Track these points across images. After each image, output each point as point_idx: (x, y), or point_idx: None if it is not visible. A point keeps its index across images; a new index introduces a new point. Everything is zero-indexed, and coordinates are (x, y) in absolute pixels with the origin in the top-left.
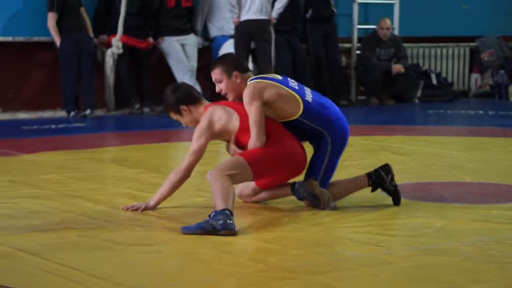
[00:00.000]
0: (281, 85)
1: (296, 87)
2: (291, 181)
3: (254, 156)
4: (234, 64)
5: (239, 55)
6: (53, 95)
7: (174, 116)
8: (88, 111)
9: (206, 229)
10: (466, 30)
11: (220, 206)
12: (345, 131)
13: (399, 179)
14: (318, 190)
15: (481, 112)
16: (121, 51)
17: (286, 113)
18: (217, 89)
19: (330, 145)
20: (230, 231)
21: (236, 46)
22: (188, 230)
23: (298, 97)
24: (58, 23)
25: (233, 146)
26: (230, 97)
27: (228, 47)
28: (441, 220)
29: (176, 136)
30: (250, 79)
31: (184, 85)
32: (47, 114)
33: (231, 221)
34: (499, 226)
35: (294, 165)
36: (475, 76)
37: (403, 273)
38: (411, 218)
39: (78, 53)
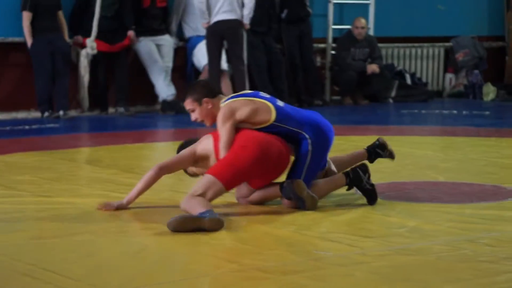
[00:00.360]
0: (252, 98)
1: (267, 97)
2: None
3: (219, 168)
4: (202, 91)
5: (207, 80)
6: (27, 96)
7: (191, 106)
8: (61, 112)
9: (192, 217)
10: (440, 30)
11: (201, 210)
12: (325, 132)
13: (373, 179)
14: (305, 193)
15: (455, 112)
16: (95, 51)
17: (260, 121)
18: (192, 118)
19: (311, 145)
20: (217, 220)
21: (208, 47)
22: (174, 220)
23: (269, 103)
24: (32, 23)
25: (190, 168)
26: (207, 123)
27: (202, 48)
28: (414, 220)
29: (151, 137)
30: (223, 101)
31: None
32: (21, 115)
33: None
34: (472, 225)
35: (270, 163)
36: (449, 76)
37: (377, 272)
38: (385, 217)
39: (52, 54)
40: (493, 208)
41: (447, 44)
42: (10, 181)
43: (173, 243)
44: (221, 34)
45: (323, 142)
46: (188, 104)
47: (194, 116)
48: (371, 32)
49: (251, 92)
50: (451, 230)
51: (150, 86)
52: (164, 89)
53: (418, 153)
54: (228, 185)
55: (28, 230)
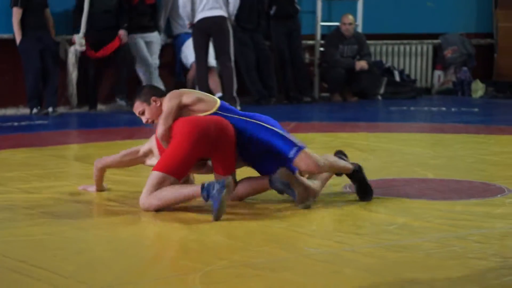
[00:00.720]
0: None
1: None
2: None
3: (163, 162)
4: (149, 91)
5: (151, 84)
6: (15, 93)
7: (140, 107)
8: (50, 109)
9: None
10: (429, 27)
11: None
12: (262, 119)
13: None
14: (292, 180)
15: (443, 109)
16: (84, 48)
17: (203, 109)
18: (143, 121)
19: (251, 130)
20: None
21: (195, 44)
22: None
23: (216, 98)
24: (21, 20)
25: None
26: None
27: (190, 45)
28: (404, 217)
29: (139, 134)
30: None
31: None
32: (10, 111)
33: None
34: (462, 222)
35: (211, 137)
36: (438, 73)
37: (366, 269)
38: (374, 214)
39: (41, 51)
40: (482, 205)
41: (435, 41)
42: None
43: (163, 240)
44: (207, 31)
45: (262, 125)
46: (138, 107)
47: (144, 118)
48: (360, 29)
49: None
50: (440, 227)
51: (138, 83)
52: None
53: (407, 150)
54: (178, 174)
55: (17, 227)
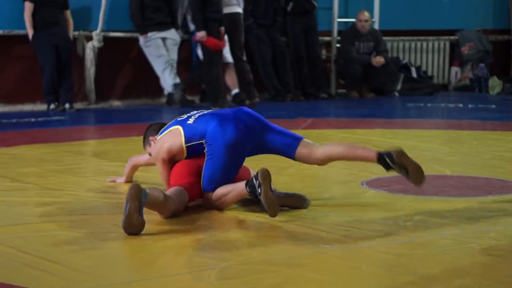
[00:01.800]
0: (165, 132)
1: (182, 118)
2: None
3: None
4: (147, 135)
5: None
6: (32, 89)
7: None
8: (67, 106)
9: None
10: (446, 23)
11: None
12: (226, 137)
13: (380, 172)
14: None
15: (460, 105)
16: (101, 44)
17: (179, 152)
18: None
19: (206, 148)
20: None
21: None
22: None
23: (179, 128)
24: (34, 15)
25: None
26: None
27: None
28: (420, 213)
29: None
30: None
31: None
32: (27, 107)
33: None
34: (478, 219)
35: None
36: (455, 69)
37: (382, 266)
38: (390, 211)
39: (55, 47)
40: (499, 202)
41: (452, 37)
42: (16, 173)
43: (179, 236)
44: (226, 27)
45: (219, 143)
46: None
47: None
48: (376, 25)
49: (172, 122)
50: (457, 224)
51: (155, 79)
52: (170, 82)
53: (423, 147)
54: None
55: (33, 222)
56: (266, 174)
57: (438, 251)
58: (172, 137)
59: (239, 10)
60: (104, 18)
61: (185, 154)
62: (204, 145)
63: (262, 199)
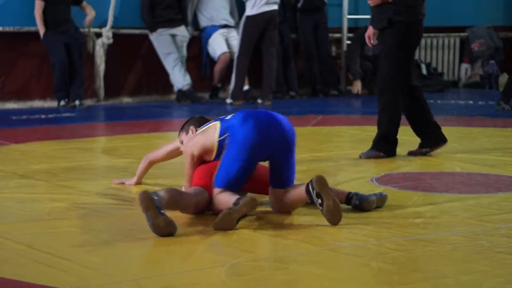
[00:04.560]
0: (204, 128)
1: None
2: None
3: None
4: (188, 123)
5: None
6: (42, 85)
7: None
8: (77, 102)
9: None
10: (456, 20)
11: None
12: (244, 133)
13: (390, 169)
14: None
15: (471, 102)
16: (111, 41)
17: (210, 148)
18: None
19: (227, 143)
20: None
21: (249, 38)
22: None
23: (215, 123)
24: (45, 14)
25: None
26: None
27: (217, 37)
28: (431, 210)
29: (166, 126)
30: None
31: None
32: (37, 104)
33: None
34: (489, 216)
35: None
36: (465, 66)
37: (393, 263)
38: (401, 208)
39: (66, 44)
40: (509, 199)
41: (462, 34)
42: (26, 170)
43: (189, 233)
44: (262, 25)
45: (241, 145)
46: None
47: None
48: None
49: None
50: (467, 221)
51: (165, 76)
52: (180, 79)
53: None
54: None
55: (44, 219)
56: (322, 181)
57: (448, 248)
58: (208, 132)
59: (276, 7)
60: (114, 15)
61: (215, 151)
62: (228, 138)
63: (324, 211)
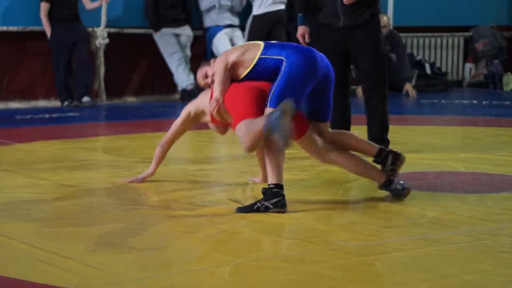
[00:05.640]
0: (245, 43)
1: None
2: None
3: (242, 115)
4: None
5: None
6: (47, 85)
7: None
8: (86, 99)
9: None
10: (460, 19)
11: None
12: (306, 57)
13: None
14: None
15: (475, 102)
16: (107, 40)
17: (249, 59)
18: (210, 82)
19: (284, 65)
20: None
21: (256, 37)
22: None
23: (259, 42)
24: (52, 13)
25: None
26: None
27: (222, 37)
28: (434, 210)
29: (170, 126)
30: None
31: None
32: (41, 103)
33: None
34: (493, 216)
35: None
36: (469, 66)
37: (397, 262)
38: (405, 208)
39: (75, 42)
40: None
41: (466, 33)
42: (30, 169)
43: (193, 232)
44: (268, 25)
45: (300, 64)
46: (200, 71)
47: (210, 79)
48: (391, 21)
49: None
50: (471, 221)
51: (169, 75)
52: (184, 78)
53: (438, 143)
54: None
55: (48, 218)
56: (403, 160)
57: (452, 247)
58: (248, 46)
59: (283, 7)
60: (117, 15)
61: (250, 67)
62: (283, 62)
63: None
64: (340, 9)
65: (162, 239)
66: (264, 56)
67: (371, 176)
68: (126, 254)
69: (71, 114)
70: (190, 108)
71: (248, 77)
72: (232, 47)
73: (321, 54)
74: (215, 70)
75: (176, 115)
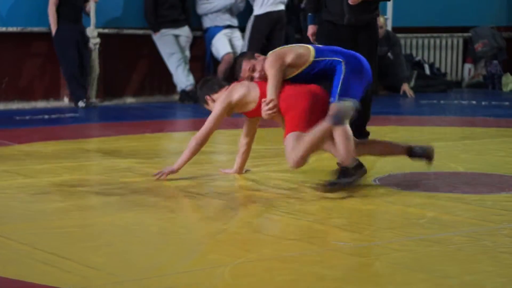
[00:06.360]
0: (293, 45)
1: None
2: None
3: (294, 123)
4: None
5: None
6: (46, 86)
7: (205, 106)
8: (94, 100)
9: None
10: (459, 20)
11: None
12: (359, 60)
13: (393, 169)
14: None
15: (474, 102)
16: (97, 40)
17: (304, 62)
18: (257, 76)
19: (344, 66)
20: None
21: (257, 37)
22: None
23: (308, 45)
24: (58, 11)
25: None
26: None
27: (221, 38)
28: (434, 210)
29: (169, 127)
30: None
31: (211, 79)
32: (40, 104)
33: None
34: (492, 216)
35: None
36: (468, 66)
37: (396, 263)
38: (404, 208)
39: (78, 42)
40: None
41: (465, 34)
42: (29, 170)
43: (192, 233)
44: (270, 25)
45: (358, 67)
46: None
47: (257, 73)
48: (389, 22)
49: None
50: (471, 221)
51: (169, 76)
52: (183, 79)
53: (437, 144)
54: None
55: (47, 219)
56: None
57: (452, 248)
58: (299, 48)
59: (283, 7)
60: (116, 15)
61: (303, 67)
62: (341, 64)
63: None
64: (346, 8)
65: (161, 239)
66: (318, 59)
67: (397, 151)
68: (125, 255)
69: (70, 114)
70: (227, 101)
71: (297, 77)
72: (282, 47)
73: (364, 58)
74: (268, 68)
75: (175, 116)
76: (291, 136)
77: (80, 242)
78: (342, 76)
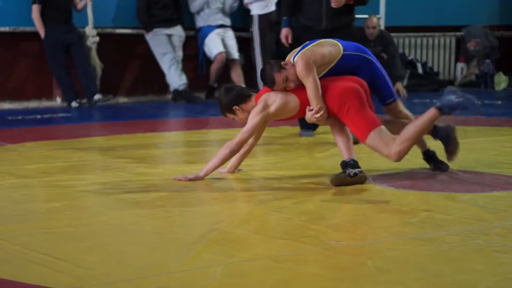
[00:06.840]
0: (318, 42)
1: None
2: None
3: (364, 123)
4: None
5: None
6: (38, 85)
7: (230, 116)
8: (97, 97)
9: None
10: (452, 19)
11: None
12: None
13: (385, 169)
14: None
15: None
16: (97, 39)
17: (334, 58)
18: (292, 86)
19: (373, 60)
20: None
21: (268, 37)
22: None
23: (335, 41)
24: (45, 15)
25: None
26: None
27: (214, 37)
28: (426, 209)
29: (162, 126)
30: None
31: (235, 87)
32: (32, 104)
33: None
34: (485, 215)
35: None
36: (461, 65)
37: (389, 262)
38: (397, 207)
39: (68, 45)
40: (505, 198)
41: (458, 33)
42: (22, 170)
43: (185, 233)
44: (270, 24)
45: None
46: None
47: (291, 83)
48: (382, 21)
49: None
50: (463, 220)
51: (161, 76)
52: (176, 79)
53: (429, 143)
54: (378, 122)
55: (40, 219)
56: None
57: (444, 247)
58: (328, 45)
59: (274, 8)
60: (112, 15)
61: (335, 62)
62: (367, 57)
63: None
64: (324, 13)
65: (155, 239)
66: (345, 53)
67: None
68: (119, 255)
69: (62, 114)
70: (265, 113)
71: (329, 74)
72: (309, 47)
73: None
74: (303, 78)
75: (168, 116)
76: (374, 136)
77: (73, 242)
78: (379, 71)
